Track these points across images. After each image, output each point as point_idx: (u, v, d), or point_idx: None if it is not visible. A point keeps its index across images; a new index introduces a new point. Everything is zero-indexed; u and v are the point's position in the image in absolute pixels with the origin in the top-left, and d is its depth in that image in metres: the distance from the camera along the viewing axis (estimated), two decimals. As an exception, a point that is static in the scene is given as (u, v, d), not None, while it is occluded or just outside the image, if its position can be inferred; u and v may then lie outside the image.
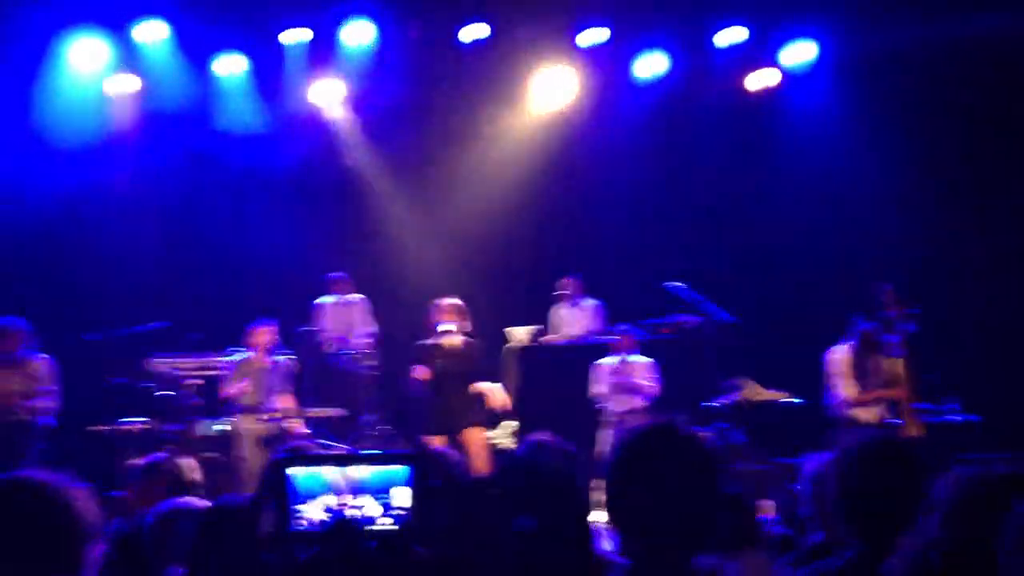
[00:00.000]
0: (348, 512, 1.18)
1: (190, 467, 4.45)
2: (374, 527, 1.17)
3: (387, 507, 1.17)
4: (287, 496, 1.17)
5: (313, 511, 1.17)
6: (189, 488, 4.23)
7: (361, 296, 10.73)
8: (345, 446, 8.96)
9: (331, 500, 1.19)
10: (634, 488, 2.17)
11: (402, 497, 1.19)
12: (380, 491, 1.17)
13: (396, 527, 1.18)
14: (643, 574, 2.13)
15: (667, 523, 2.16)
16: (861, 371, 7.90)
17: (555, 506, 1.97)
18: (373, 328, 10.57)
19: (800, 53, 11.39)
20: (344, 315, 10.55)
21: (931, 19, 10.03)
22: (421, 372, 8.58)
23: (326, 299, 10.63)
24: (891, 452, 2.84)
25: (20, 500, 2.10)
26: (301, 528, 1.15)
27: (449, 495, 1.18)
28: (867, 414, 7.97)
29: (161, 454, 4.31)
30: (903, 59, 10.41)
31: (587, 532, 1.97)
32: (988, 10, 9.86)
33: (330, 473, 1.17)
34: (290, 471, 1.18)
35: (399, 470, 1.19)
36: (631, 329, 9.85)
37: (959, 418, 8.56)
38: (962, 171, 10.58)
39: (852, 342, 7.93)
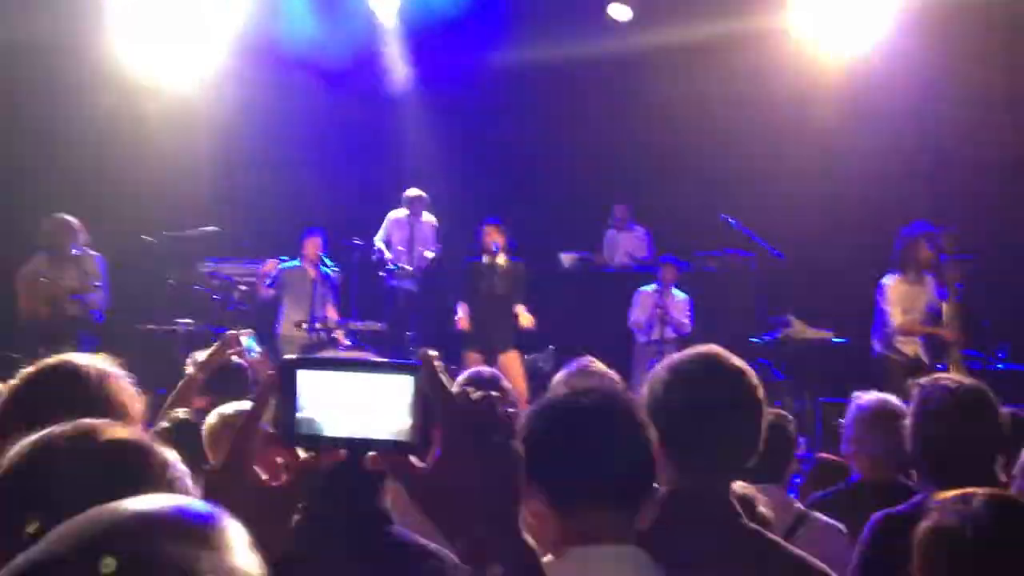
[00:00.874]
0: (349, 424, 1.17)
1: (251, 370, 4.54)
2: (373, 439, 1.16)
3: (388, 420, 1.15)
4: (295, 398, 1.16)
5: (313, 415, 1.16)
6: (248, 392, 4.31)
7: (431, 216, 10.67)
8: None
9: (334, 411, 1.17)
10: (677, 413, 2.13)
11: (403, 410, 1.17)
12: (382, 403, 1.15)
13: (395, 440, 1.16)
14: (679, 500, 2.10)
15: (709, 450, 2.14)
16: (910, 301, 7.84)
17: (619, 428, 1.92)
18: (435, 249, 10.53)
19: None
20: (411, 232, 10.50)
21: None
22: (463, 314, 8.76)
23: (398, 213, 10.57)
24: (972, 402, 2.79)
25: (62, 382, 2.12)
26: (301, 433, 1.16)
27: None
28: (908, 347, 7.92)
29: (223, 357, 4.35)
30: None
31: (650, 456, 1.91)
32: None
33: (334, 380, 1.15)
34: (299, 373, 1.17)
35: (404, 381, 1.17)
36: (676, 261, 9.83)
37: (1006, 366, 8.46)
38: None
39: (900, 272, 7.86)
